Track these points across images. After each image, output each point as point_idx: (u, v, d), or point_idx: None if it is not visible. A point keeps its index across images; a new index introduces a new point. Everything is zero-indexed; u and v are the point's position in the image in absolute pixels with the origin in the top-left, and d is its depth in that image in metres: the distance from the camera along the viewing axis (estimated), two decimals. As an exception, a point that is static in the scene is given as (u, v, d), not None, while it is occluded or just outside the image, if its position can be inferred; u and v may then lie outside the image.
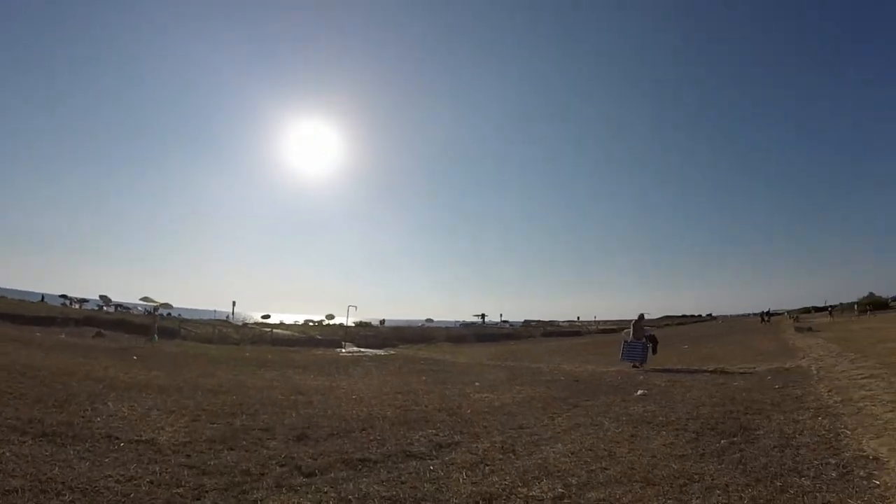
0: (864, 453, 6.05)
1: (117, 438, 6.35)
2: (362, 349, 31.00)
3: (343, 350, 29.87)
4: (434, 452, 6.34)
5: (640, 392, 11.24)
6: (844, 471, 5.45)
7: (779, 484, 5.10)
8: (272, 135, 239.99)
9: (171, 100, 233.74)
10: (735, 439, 6.93)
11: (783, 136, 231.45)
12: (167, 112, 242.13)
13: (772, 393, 10.53)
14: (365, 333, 40.22)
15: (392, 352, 30.33)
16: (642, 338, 17.56)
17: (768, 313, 73.90)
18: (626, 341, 17.94)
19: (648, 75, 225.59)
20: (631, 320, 18.76)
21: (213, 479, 5.10)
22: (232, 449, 6.20)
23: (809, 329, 38.10)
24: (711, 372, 14.93)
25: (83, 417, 7.32)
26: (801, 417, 8.12)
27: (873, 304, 72.20)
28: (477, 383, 13.48)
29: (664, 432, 7.43)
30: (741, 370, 15.20)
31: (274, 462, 5.74)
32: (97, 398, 8.73)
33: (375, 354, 26.68)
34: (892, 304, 75.27)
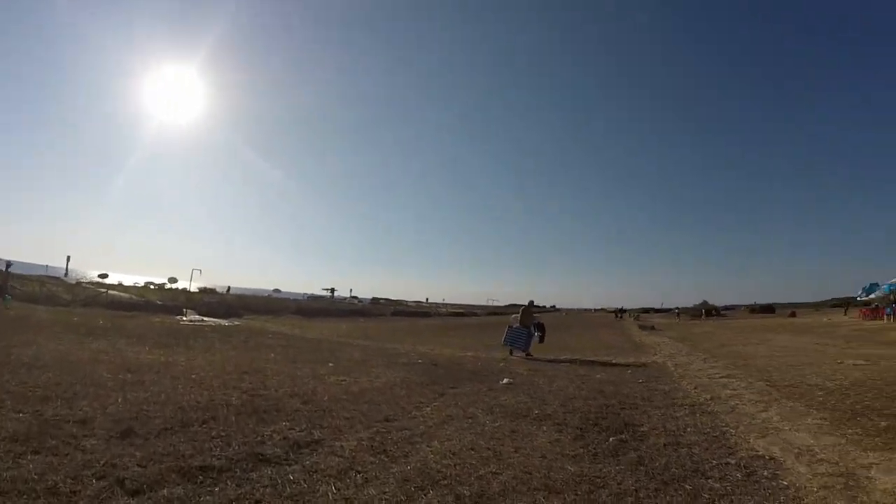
0: (759, 453, 5.91)
1: None
2: (205, 318, 28.43)
3: (184, 318, 27.28)
4: (292, 455, 5.10)
5: (505, 380, 10.79)
6: (748, 472, 5.23)
7: (689, 487, 4.72)
8: (118, 80, 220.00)
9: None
10: (623, 436, 6.51)
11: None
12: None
13: (638, 388, 10.47)
14: (209, 301, 36.94)
15: (237, 322, 28.21)
16: (529, 325, 17.17)
17: (622, 310, 79.58)
18: (511, 326, 17.51)
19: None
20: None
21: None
22: (37, 452, 4.55)
23: (652, 328, 40.49)
24: (570, 362, 14.95)
25: None
26: (678, 414, 7.99)
27: (706, 311, 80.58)
28: (331, 364, 12.34)
29: (545, 427, 6.85)
30: (600, 361, 15.33)
31: (90, 473, 4.19)
32: None
33: (219, 325, 24.72)
34: (724, 312, 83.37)
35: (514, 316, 18.49)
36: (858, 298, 52.09)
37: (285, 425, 6.18)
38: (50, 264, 63.20)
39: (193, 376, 9.11)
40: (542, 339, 17.49)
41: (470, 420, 7.09)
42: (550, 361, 15.12)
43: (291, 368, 11.05)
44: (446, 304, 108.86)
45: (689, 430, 6.97)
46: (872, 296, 46.92)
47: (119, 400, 6.79)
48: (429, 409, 7.72)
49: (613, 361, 15.83)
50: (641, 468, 5.24)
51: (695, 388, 10.38)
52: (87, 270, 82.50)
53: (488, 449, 5.72)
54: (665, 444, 6.18)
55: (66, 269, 61.05)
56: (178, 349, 13.26)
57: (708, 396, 9.43)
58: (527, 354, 16.45)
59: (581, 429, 6.80)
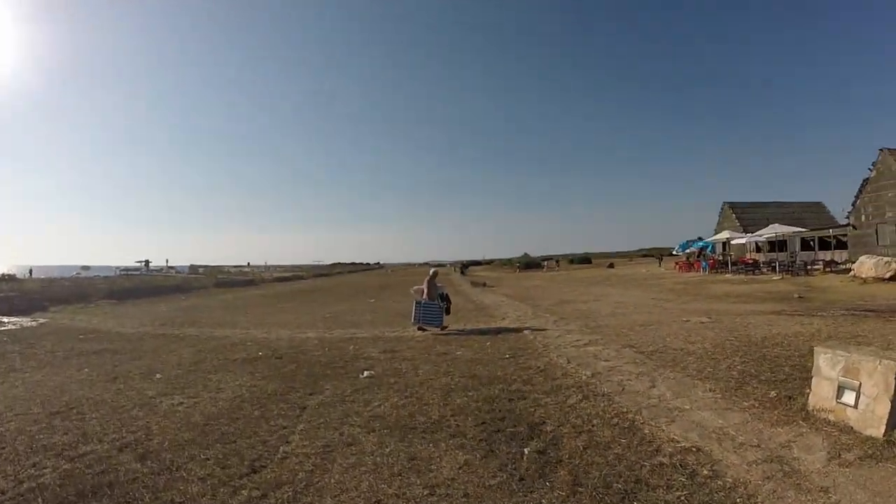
0: (682, 444, 5.59)
1: None
2: (3, 318, 23.55)
3: None
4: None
5: (365, 374, 9.71)
6: (688, 472, 4.87)
7: (646, 507, 4.13)
8: None
9: None
10: (534, 444, 5.78)
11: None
12: None
13: (511, 367, 9.89)
14: (8, 293, 30.70)
15: (42, 320, 23.45)
16: (436, 298, 15.64)
17: (466, 265, 77.39)
18: (418, 302, 15.78)
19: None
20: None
21: None
22: None
23: (484, 284, 40.44)
24: (420, 339, 14.08)
25: None
26: (571, 401, 7.46)
27: (526, 264, 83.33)
28: (158, 375, 10.34)
29: (443, 445, 5.89)
30: (453, 332, 14.65)
31: None
32: None
33: (21, 327, 20.63)
34: (543, 263, 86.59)
35: (415, 288, 16.85)
36: (675, 253, 57.45)
37: None
38: None
39: None
40: (448, 311, 16.07)
41: (353, 448, 5.89)
42: (401, 339, 14.13)
43: (113, 394, 8.97)
44: (270, 268, 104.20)
45: (595, 422, 6.45)
46: (689, 250, 52.05)
47: None
48: (297, 436, 6.37)
49: (466, 329, 15.23)
50: (581, 490, 4.60)
51: (568, 362, 10.02)
52: None
53: (398, 497, 4.64)
54: (584, 448, 5.59)
55: None
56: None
57: (589, 373, 9.07)
58: (441, 328, 15.27)
59: (485, 441, 5.94)
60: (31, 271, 65.51)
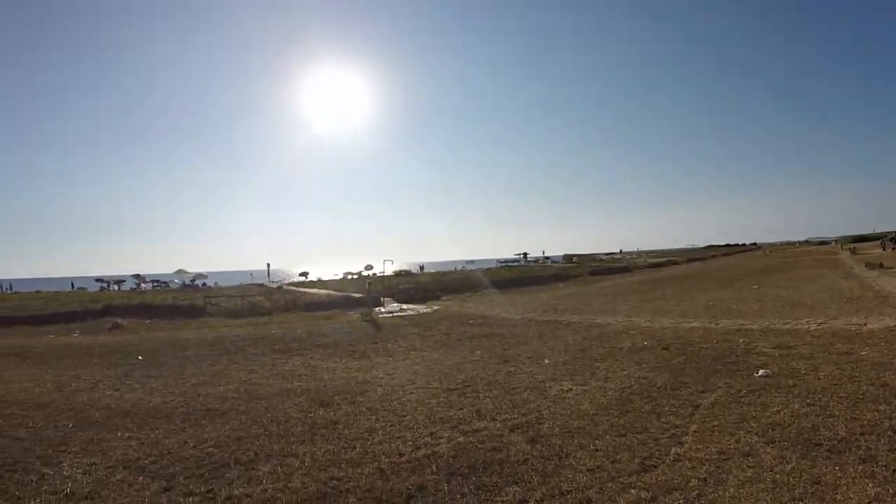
0: None
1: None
2: (402, 306, 28.21)
3: (383, 309, 26.93)
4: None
5: (760, 372, 8.60)
6: None
7: None
8: (287, 83, 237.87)
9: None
10: None
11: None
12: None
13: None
14: (405, 287, 36.61)
15: (436, 307, 27.18)
16: None
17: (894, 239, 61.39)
18: None
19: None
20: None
21: None
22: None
23: (881, 265, 32.36)
24: (817, 333, 12.02)
25: (17, 501, 5.06)
26: None
27: None
28: (547, 360, 10.82)
29: (850, 469, 4.76)
30: (854, 328, 12.18)
31: None
32: (53, 455, 6.38)
33: (418, 313, 24.01)
34: None
35: None
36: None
37: (515, 493, 4.69)
38: (255, 269, 69.53)
39: (393, 403, 8.17)
40: None
41: (750, 459, 5.15)
42: (795, 332, 12.29)
43: (504, 376, 9.69)
44: (641, 253, 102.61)
45: None
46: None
47: (306, 461, 5.84)
48: (689, 438, 5.85)
49: (868, 326, 12.52)
50: None
51: None
52: (290, 268, 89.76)
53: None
54: None
55: (268, 274, 66.40)
56: (375, 358, 12.59)
57: None
58: None
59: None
60: (422, 267, 77.15)
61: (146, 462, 6.01)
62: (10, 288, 61.26)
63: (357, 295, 32.43)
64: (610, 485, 4.73)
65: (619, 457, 5.38)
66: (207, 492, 5.07)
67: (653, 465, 5.12)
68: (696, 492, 4.51)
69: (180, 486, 5.27)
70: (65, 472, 5.78)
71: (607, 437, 6.01)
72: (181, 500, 4.93)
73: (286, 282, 58.39)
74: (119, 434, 7.16)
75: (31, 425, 7.72)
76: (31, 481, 5.54)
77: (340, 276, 65.41)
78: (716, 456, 5.26)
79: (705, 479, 4.74)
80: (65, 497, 5.11)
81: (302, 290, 42.86)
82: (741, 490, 4.49)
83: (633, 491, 4.58)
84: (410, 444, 6.23)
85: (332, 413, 7.79)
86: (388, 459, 5.74)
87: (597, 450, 5.62)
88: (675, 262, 71.78)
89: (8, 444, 6.86)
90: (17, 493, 5.24)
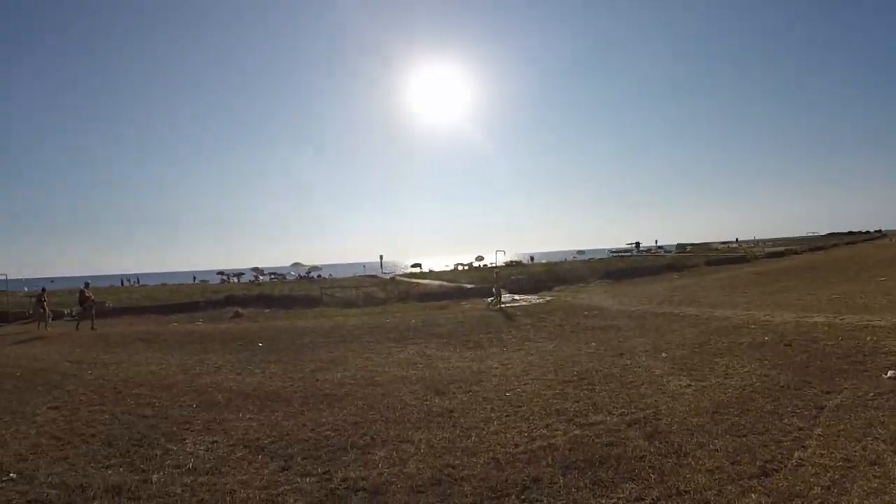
0: None
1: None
2: (515, 296, 27.86)
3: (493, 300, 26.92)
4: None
5: (890, 373, 7.76)
6: None
7: None
8: (391, 73, 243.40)
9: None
10: None
11: None
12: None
13: None
14: (516, 277, 36.58)
15: (548, 297, 26.85)
16: None
17: None
18: None
19: None
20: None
21: None
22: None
23: None
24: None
25: (142, 474, 5.45)
26: None
27: None
28: (664, 354, 10.40)
29: None
30: None
31: None
32: (177, 432, 6.93)
33: (530, 303, 23.78)
34: None
35: None
36: None
37: (632, 490, 4.60)
38: (368, 261, 72.13)
39: (508, 393, 8.09)
40: None
41: (877, 469, 4.63)
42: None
43: (620, 369, 9.40)
44: (759, 243, 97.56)
45: None
46: None
47: (422, 447, 5.89)
48: (813, 442, 5.45)
49: None
50: None
51: None
52: (402, 259, 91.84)
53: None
54: None
55: (381, 265, 68.88)
56: (490, 348, 12.57)
57: None
58: None
59: None
60: (532, 258, 76.22)
61: (266, 442, 6.31)
62: (138, 281, 68.52)
63: (469, 286, 32.75)
64: (729, 487, 4.45)
65: (739, 458, 5.05)
66: (324, 473, 5.24)
67: (774, 470, 4.76)
68: (819, 500, 4.12)
69: (298, 466, 5.49)
70: (188, 449, 6.19)
71: (727, 436, 5.67)
72: (298, 479, 5.13)
73: (398, 273, 59.58)
74: (240, 415, 7.58)
75: (157, 405, 8.37)
76: (156, 455, 5.97)
77: (451, 266, 66.17)
78: (841, 463, 4.79)
79: (828, 488, 4.32)
80: (187, 471, 5.44)
81: (415, 280, 43.60)
82: (865, 501, 4.05)
83: (752, 495, 4.27)
84: (526, 435, 6.17)
85: (447, 401, 7.87)
86: (503, 449, 5.69)
87: (716, 450, 5.31)
88: (795, 252, 67.05)
89: (135, 421, 7.46)
90: (142, 466, 5.64)
